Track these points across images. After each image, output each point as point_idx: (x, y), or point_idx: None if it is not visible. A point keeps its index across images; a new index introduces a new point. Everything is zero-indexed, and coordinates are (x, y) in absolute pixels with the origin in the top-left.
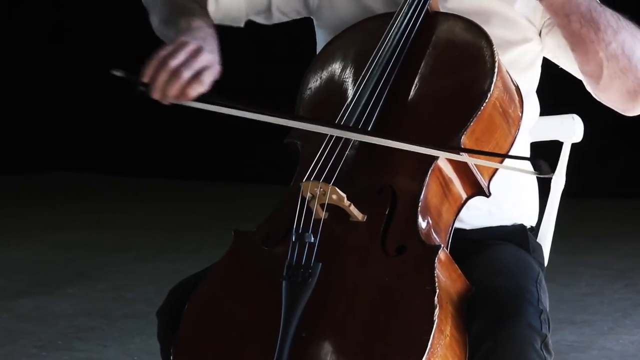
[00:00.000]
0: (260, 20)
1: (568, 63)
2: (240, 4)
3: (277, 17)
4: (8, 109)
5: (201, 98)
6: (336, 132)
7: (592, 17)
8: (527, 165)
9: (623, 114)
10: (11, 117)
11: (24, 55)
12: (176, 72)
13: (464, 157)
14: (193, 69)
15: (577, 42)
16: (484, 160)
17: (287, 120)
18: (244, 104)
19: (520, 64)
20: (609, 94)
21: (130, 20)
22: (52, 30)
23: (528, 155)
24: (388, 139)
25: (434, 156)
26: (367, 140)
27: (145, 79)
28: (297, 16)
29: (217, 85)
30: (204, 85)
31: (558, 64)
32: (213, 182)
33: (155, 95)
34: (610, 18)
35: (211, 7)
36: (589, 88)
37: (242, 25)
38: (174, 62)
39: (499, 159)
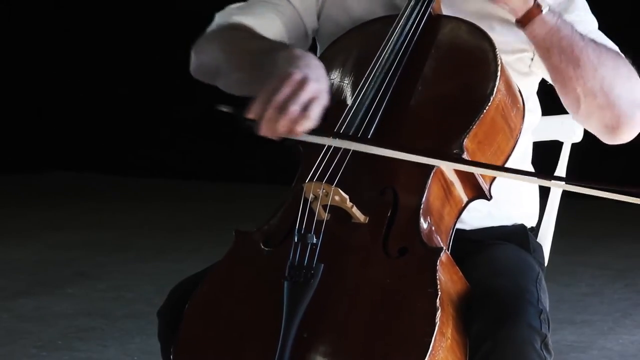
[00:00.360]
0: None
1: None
2: (283, 36)
3: (311, 34)
4: (8, 109)
5: (313, 131)
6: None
7: (572, 52)
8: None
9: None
10: (11, 117)
11: (24, 55)
12: (282, 108)
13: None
14: (299, 103)
15: (556, 76)
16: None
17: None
18: (357, 138)
19: (522, 69)
20: (588, 125)
21: (130, 20)
22: (52, 30)
23: (530, 156)
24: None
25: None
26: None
27: (252, 116)
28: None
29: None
30: (311, 120)
31: (548, 81)
32: (213, 182)
33: (263, 132)
34: (591, 54)
35: None
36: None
37: None
38: (280, 97)
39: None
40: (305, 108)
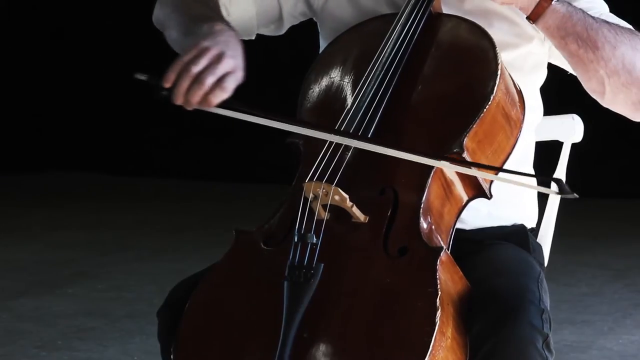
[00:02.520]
0: (269, 32)
1: None
2: (252, 15)
3: (289, 22)
4: (8, 109)
5: (225, 104)
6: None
7: (588, 35)
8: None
9: (632, 119)
10: (11, 117)
11: (24, 55)
12: (198, 79)
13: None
14: (216, 75)
15: (577, 62)
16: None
17: (303, 128)
18: (265, 112)
19: (523, 66)
20: (616, 107)
21: (130, 20)
22: (52, 30)
23: (532, 155)
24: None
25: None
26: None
27: (167, 85)
28: (304, 18)
29: (238, 90)
30: (226, 91)
31: (568, 71)
32: (213, 182)
33: (178, 101)
34: (607, 34)
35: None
36: (597, 100)
37: (253, 37)
38: (196, 68)
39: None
40: (221, 80)
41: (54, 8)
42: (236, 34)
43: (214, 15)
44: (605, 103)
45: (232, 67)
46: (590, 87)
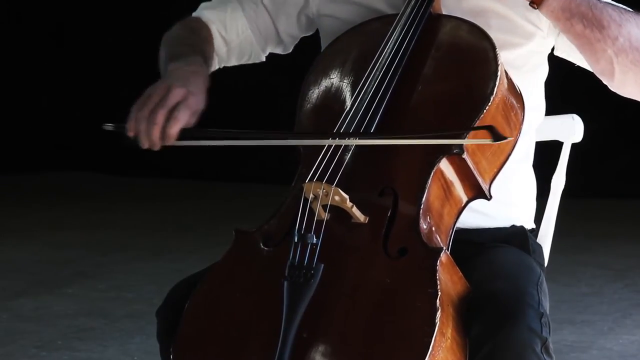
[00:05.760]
0: (279, 51)
1: (582, 62)
2: (250, 39)
3: (291, 42)
4: (8, 109)
5: (189, 135)
6: (329, 142)
7: (594, 15)
8: None
9: None
10: (11, 117)
11: (24, 56)
12: (151, 118)
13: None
14: (165, 108)
15: (583, 43)
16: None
17: (283, 140)
18: (230, 133)
19: (524, 65)
20: (627, 88)
21: (129, 21)
22: (53, 30)
23: (532, 154)
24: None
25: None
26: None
27: (131, 133)
28: (308, 32)
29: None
30: (179, 121)
31: (574, 62)
32: (213, 182)
33: (144, 145)
34: (612, 12)
35: (222, 49)
36: (607, 84)
37: (263, 59)
38: (147, 110)
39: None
40: (172, 111)
41: (54, 8)
42: (194, 68)
43: (186, 51)
44: (615, 85)
45: (182, 95)
46: (599, 68)
